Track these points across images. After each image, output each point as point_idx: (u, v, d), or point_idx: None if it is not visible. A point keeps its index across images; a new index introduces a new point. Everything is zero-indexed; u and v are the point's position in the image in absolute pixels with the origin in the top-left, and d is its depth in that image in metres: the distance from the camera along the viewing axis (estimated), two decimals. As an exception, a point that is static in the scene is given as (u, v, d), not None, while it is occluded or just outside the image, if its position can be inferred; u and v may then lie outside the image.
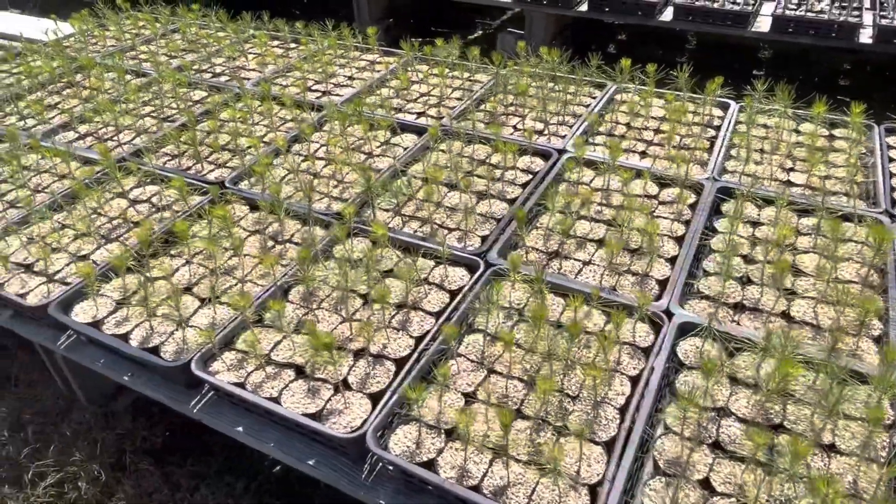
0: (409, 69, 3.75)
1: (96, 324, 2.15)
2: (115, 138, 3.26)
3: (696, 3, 4.78)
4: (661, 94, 3.32)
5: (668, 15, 4.96)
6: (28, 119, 3.48)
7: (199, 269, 2.37)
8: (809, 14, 4.50)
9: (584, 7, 5.18)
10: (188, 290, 2.28)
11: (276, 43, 4.28)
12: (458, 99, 3.48)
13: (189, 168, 2.99)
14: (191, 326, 2.11)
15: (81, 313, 2.19)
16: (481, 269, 2.23)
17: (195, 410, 1.98)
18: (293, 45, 4.24)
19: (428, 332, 2.05)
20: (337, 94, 3.57)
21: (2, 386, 2.76)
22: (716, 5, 4.73)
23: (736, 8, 4.67)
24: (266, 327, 2.11)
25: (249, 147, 3.06)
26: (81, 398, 2.57)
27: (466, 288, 2.17)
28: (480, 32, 6.82)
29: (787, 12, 4.58)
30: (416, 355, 1.93)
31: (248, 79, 3.80)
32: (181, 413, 2.01)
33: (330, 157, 2.98)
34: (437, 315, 2.12)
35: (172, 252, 2.46)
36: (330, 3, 7.79)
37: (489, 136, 2.96)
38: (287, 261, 2.38)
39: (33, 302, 2.23)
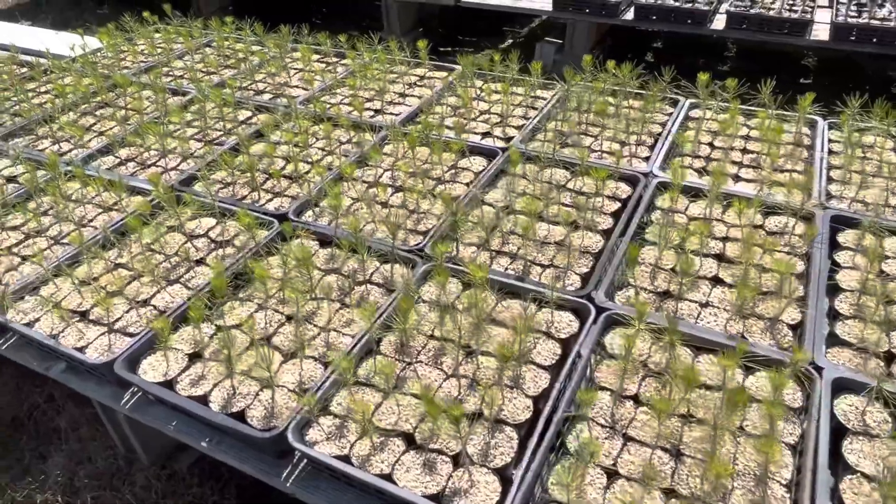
0: (468, 85, 3.53)
1: (169, 383, 1.92)
2: (160, 163, 3.04)
3: (751, 10, 4.57)
4: (751, 112, 3.09)
5: (719, 23, 4.75)
6: (62, 142, 3.25)
7: (274, 315, 2.14)
8: (874, 21, 4.29)
9: (629, 16, 4.98)
10: (267, 340, 2.05)
11: (315, 57, 4.05)
12: (522, 117, 3.25)
13: (244, 197, 2.76)
14: (278, 386, 1.88)
15: (150, 370, 1.96)
16: (592, 315, 2.00)
17: (288, 485, 1.75)
18: (334, 60, 4.02)
19: (545, 390, 1.82)
20: (391, 113, 3.35)
21: (48, 441, 2.52)
22: (772, 13, 4.52)
23: (794, 16, 4.46)
24: (361, 385, 1.88)
25: (307, 172, 2.84)
26: (142, 457, 2.34)
27: (583, 337, 1.94)
28: (511, 41, 6.61)
29: (849, 20, 4.37)
30: (542, 422, 1.70)
31: (294, 96, 3.58)
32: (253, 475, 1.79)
33: (398, 183, 2.76)
34: (552, 369, 1.89)
35: (241, 295, 2.23)
36: (352, 14, 7.58)
37: (573, 160, 2.74)
38: (370, 305, 2.15)
39: (95, 357, 2.00)
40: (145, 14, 4.52)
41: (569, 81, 3.17)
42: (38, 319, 2.17)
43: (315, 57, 4.04)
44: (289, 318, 2.13)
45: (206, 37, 4.36)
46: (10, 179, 2.96)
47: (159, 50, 4.23)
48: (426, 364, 1.93)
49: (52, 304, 2.20)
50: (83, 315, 2.19)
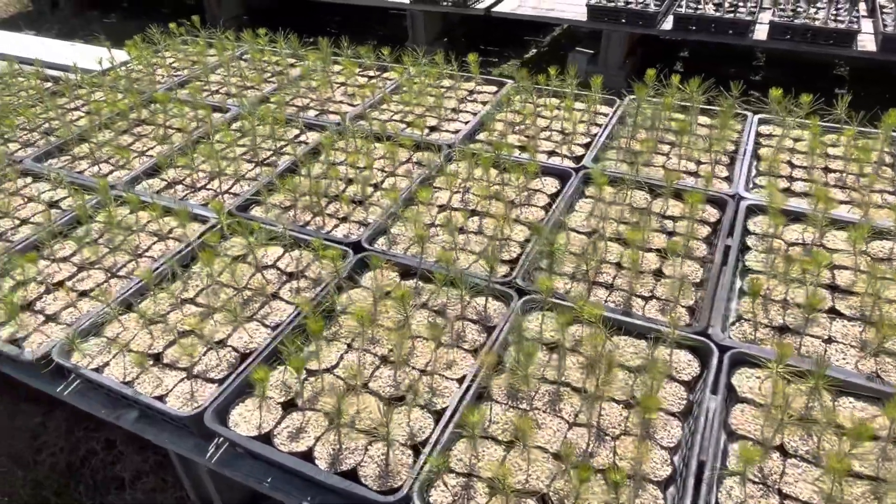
0: (526, 100, 3.38)
1: (266, 436, 1.75)
2: (211, 186, 2.87)
3: (795, 21, 4.48)
4: (836, 129, 2.97)
5: (761, 34, 4.66)
6: (101, 163, 3.07)
7: (366, 356, 1.98)
8: (923, 32, 4.22)
9: (667, 26, 4.87)
10: (364, 386, 1.89)
11: (355, 70, 3.89)
12: (585, 134, 3.12)
13: (307, 223, 2.60)
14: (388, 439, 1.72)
15: (242, 422, 1.79)
16: (716, 354, 1.86)
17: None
18: (375, 73, 3.86)
19: (680, 440, 1.68)
20: (447, 130, 3.20)
21: (107, 490, 2.33)
22: (817, 23, 4.43)
23: (840, 26, 4.38)
24: (480, 437, 1.72)
25: (372, 195, 2.69)
26: (218, 509, 2.17)
27: (709, 378, 1.80)
28: (535, 51, 6.49)
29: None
30: (692, 479, 1.56)
31: (342, 112, 3.42)
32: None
33: (470, 207, 2.61)
34: (681, 416, 1.75)
35: (326, 333, 2.07)
36: (367, 24, 7.43)
37: (657, 183, 2.60)
38: (469, 343, 2.00)
39: (179, 408, 1.83)
40: (172, 26, 4.34)
41: (638, 97, 3.04)
42: (107, 364, 1.99)
43: (355, 70, 3.88)
44: (384, 360, 1.97)
45: (241, 48, 4.19)
46: (52, 205, 2.78)
47: (190, 63, 4.06)
48: (544, 411, 1.78)
49: (121, 347, 2.03)
50: (156, 358, 2.01)
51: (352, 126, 3.10)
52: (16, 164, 3.00)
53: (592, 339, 1.86)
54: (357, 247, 2.38)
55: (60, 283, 2.33)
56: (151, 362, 1.98)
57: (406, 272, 2.29)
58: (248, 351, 2.00)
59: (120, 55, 4.22)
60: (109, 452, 2.42)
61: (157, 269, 2.30)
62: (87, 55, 4.71)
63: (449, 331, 2.04)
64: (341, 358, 1.98)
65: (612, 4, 4.90)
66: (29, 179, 2.96)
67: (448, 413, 1.74)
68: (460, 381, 1.87)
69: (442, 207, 2.63)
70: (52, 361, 1.98)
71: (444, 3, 5.52)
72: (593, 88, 3.22)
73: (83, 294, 2.28)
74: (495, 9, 5.39)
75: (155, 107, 3.51)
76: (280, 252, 2.42)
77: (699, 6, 4.80)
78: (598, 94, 3.24)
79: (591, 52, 5.36)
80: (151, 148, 3.19)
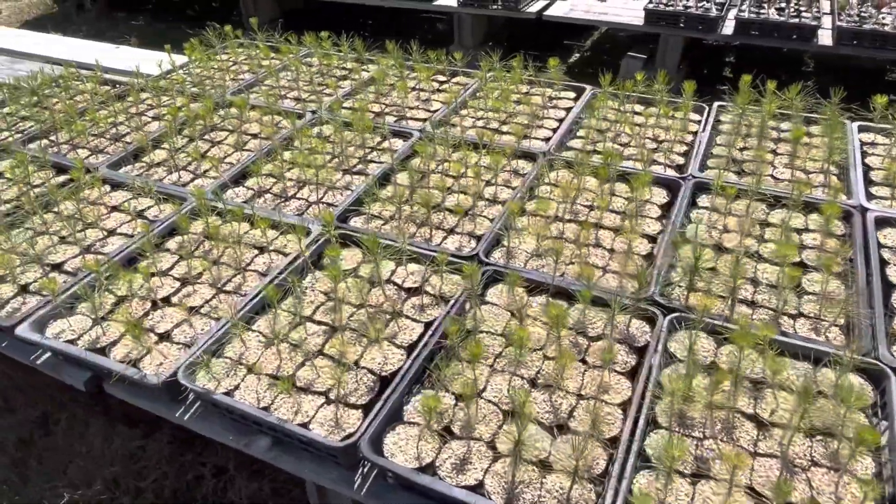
0: (614, 106, 3.27)
1: (427, 467, 1.63)
2: (301, 195, 2.75)
3: (864, 26, 4.40)
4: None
5: (826, 39, 4.57)
6: (179, 171, 2.94)
7: (514, 380, 1.86)
8: None
9: (728, 31, 4.78)
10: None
11: (421, 74, 3.77)
12: (680, 142, 3.02)
13: (413, 234, 2.48)
14: (560, 471, 1.61)
15: (399, 452, 1.67)
16: (893, 381, 1.76)
17: None
18: (445, 78, 3.75)
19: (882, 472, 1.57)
20: (536, 137, 3.09)
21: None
22: (886, 28, 4.35)
23: (912, 31, 4.29)
24: (650, 466, 1.61)
25: (474, 205, 2.57)
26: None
27: (896, 407, 1.69)
28: (578, 55, 6.40)
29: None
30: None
31: (419, 118, 3.31)
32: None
33: (580, 218, 2.50)
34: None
35: (463, 354, 1.95)
36: (401, 26, 7.33)
37: (782, 194, 2.50)
38: (620, 365, 1.89)
39: (326, 437, 1.70)
40: (227, 28, 4.22)
41: (740, 104, 2.94)
42: (237, 387, 1.87)
43: (431, 74, 3.72)
44: (532, 383, 1.85)
45: (306, 50, 4.07)
46: (140, 214, 2.65)
47: (251, 66, 3.94)
48: (721, 440, 1.67)
49: (250, 369, 1.91)
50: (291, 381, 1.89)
51: (438, 132, 2.98)
52: (94, 172, 2.87)
53: (759, 361, 1.75)
54: (475, 260, 2.26)
55: (167, 299, 2.20)
56: (286, 385, 1.85)
57: (533, 288, 2.18)
58: (385, 373, 1.88)
59: (163, 57, 4.09)
60: (220, 479, 2.29)
61: (269, 284, 2.17)
62: (131, 57, 4.59)
63: (595, 351, 1.93)
64: (487, 381, 1.86)
65: (672, 8, 4.81)
66: (107, 188, 2.84)
67: (623, 444, 1.62)
68: (623, 406, 1.76)
69: (552, 219, 2.52)
70: (178, 384, 1.85)
71: (494, 7, 5.42)
72: (685, 95, 3.12)
73: (192, 310, 2.15)
74: (547, 12, 5.29)
75: (226, 111, 3.39)
76: (392, 266, 2.31)
77: (761, 10, 4.71)
78: (690, 100, 3.13)
79: (644, 56, 5.27)
80: (229, 154, 3.07)
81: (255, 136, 3.20)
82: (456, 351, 1.92)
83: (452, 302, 2.08)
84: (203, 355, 1.89)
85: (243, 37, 4.24)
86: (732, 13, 4.88)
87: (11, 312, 2.18)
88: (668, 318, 1.97)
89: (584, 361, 1.92)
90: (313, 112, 3.31)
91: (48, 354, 2.20)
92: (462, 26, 5.61)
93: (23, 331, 2.05)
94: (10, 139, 3.28)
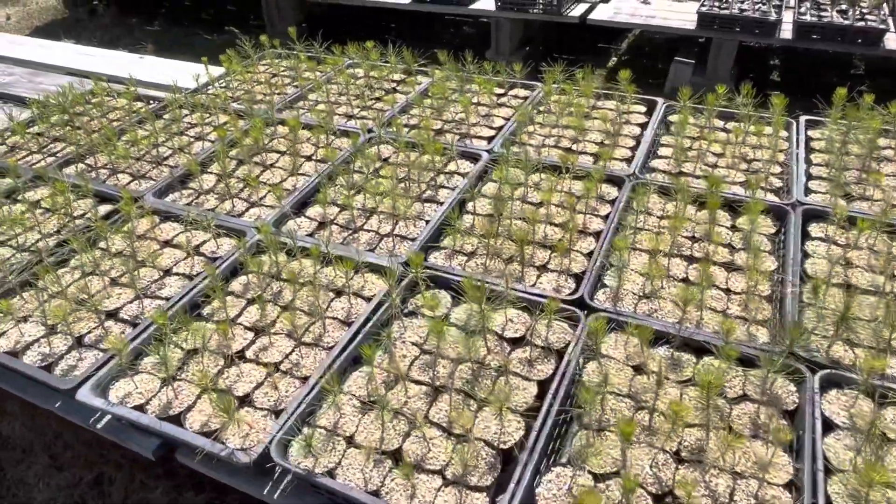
0: (694, 123, 3.03)
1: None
2: (370, 227, 2.51)
3: (935, 29, 4.17)
4: None
5: (892, 42, 4.34)
6: (232, 199, 2.70)
7: (654, 454, 1.64)
8: None
9: (787, 35, 4.54)
10: (675, 498, 1.54)
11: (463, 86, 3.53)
12: (771, 161, 2.78)
13: (502, 273, 2.25)
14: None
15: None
16: None
17: None
18: (502, 90, 3.51)
19: None
20: (615, 158, 2.85)
21: None
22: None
23: None
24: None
25: (563, 237, 2.34)
26: None
27: None
28: (615, 59, 6.16)
29: None
30: None
31: (482, 136, 3.07)
32: None
33: (684, 252, 2.27)
34: None
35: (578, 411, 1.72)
36: (424, 32, 7.08)
37: (909, 224, 2.27)
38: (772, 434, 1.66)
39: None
40: (263, 38, 3.98)
41: (848, 122, 2.71)
42: (338, 464, 1.64)
43: (493, 88, 3.45)
44: (678, 458, 1.62)
45: (351, 60, 3.83)
46: (198, 250, 2.42)
47: (291, 79, 3.70)
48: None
49: (346, 441, 1.68)
50: (394, 456, 1.66)
51: (512, 153, 2.74)
52: (140, 201, 2.63)
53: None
54: (587, 308, 2.02)
55: (241, 353, 1.97)
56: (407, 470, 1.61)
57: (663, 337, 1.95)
58: (505, 446, 1.65)
59: (190, 67, 3.85)
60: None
61: (356, 336, 1.94)
62: (157, 68, 4.35)
63: (741, 416, 1.70)
64: (624, 455, 1.63)
65: (727, 12, 4.57)
66: (155, 218, 2.60)
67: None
68: (789, 487, 1.53)
69: (655, 253, 2.29)
70: (268, 459, 1.62)
71: (534, 11, 5.18)
72: (775, 110, 2.87)
73: (277, 368, 1.92)
74: (591, 16, 5.05)
75: (272, 129, 3.15)
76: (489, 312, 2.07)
77: (822, 13, 4.48)
78: (782, 115, 2.89)
79: (692, 62, 5.03)
80: (283, 179, 2.83)
81: (308, 157, 2.96)
82: (585, 418, 1.69)
83: (567, 359, 1.85)
84: (296, 426, 1.66)
85: (269, 43, 3.99)
86: (787, 16, 4.65)
87: (67, 370, 1.95)
88: (818, 375, 1.74)
89: (729, 428, 1.69)
90: (369, 131, 3.07)
91: (108, 417, 1.97)
92: (500, 31, 5.37)
93: (85, 396, 1.81)
94: (43, 162, 3.04)
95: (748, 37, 4.61)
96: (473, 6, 5.42)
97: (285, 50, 4.04)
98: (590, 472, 1.59)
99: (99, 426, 1.95)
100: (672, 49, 6.21)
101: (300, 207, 2.64)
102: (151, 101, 3.58)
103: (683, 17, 4.87)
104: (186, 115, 3.38)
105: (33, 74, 4.52)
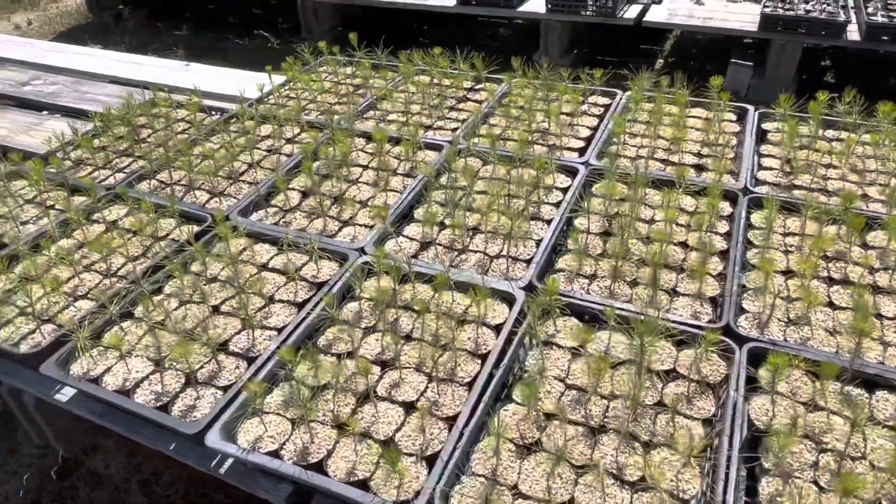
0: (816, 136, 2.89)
1: None
2: (476, 246, 2.37)
3: None
4: None
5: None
6: (317, 218, 2.56)
7: None
8: None
9: (854, 36, 4.41)
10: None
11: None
12: (884, 171, 2.65)
13: (615, 293, 2.11)
14: None
15: None
16: None
17: None
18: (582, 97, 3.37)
19: None
20: (711, 170, 2.72)
21: None
22: None
23: None
24: None
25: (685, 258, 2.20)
26: None
27: None
28: (661, 61, 6.03)
29: None
30: None
31: (572, 148, 2.93)
32: None
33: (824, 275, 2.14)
34: None
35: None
36: (468, 33, 6.94)
37: None
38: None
39: None
40: (322, 44, 3.83)
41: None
42: (508, 519, 1.50)
43: (577, 97, 3.29)
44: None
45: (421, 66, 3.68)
46: (299, 273, 2.28)
47: (352, 87, 3.56)
48: None
49: (510, 491, 1.54)
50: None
51: (614, 168, 2.60)
52: (229, 222, 2.49)
53: None
54: (742, 339, 1.88)
55: (374, 389, 1.83)
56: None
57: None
58: (684, 494, 1.51)
59: (238, 75, 3.71)
60: None
61: (493, 372, 1.80)
62: (205, 77, 4.22)
63: None
64: (822, 506, 1.50)
65: (792, 13, 4.44)
66: (241, 241, 2.46)
67: None
68: None
69: (784, 273, 2.16)
70: (433, 516, 1.49)
71: (586, 13, 5.04)
72: (882, 117, 2.74)
73: (404, 404, 1.78)
74: (646, 18, 4.92)
75: (351, 142, 3.01)
76: (622, 339, 1.94)
77: (892, 14, 4.35)
78: (892, 123, 2.75)
79: (751, 64, 4.90)
80: (371, 197, 2.69)
81: (393, 171, 2.82)
82: (769, 462, 1.55)
83: (732, 396, 1.71)
84: (455, 474, 1.53)
85: (304, 47, 3.84)
86: (852, 16, 4.52)
87: (186, 410, 1.82)
88: None
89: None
90: (450, 143, 2.93)
91: (231, 460, 1.83)
92: (549, 34, 5.24)
93: (215, 442, 1.68)
94: (112, 178, 2.90)
95: (814, 39, 4.48)
96: (522, 8, 5.29)
97: (344, 56, 3.89)
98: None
99: (222, 470, 1.81)
100: (716, 51, 6.08)
101: (396, 226, 2.50)
102: (213, 112, 3.44)
103: (743, 19, 4.74)
104: (252, 127, 3.23)
105: (77, 83, 4.37)
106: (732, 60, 4.97)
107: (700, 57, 6.06)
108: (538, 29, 5.32)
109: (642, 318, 1.84)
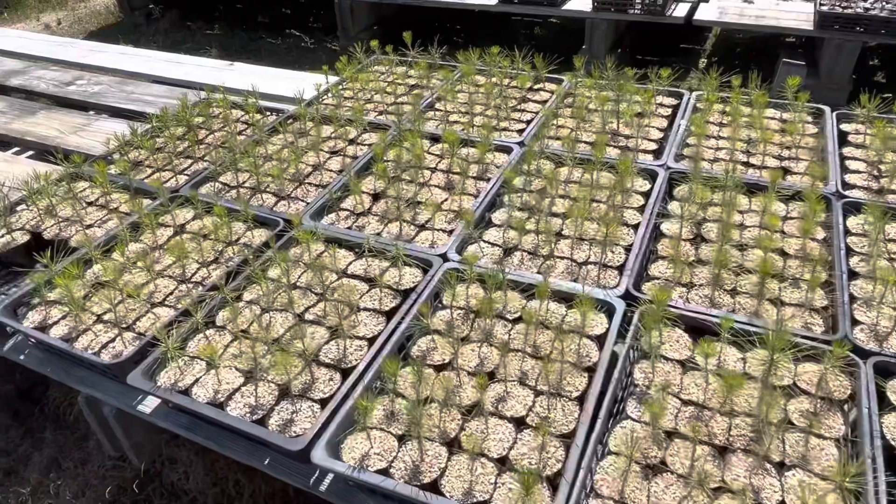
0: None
1: None
2: (562, 252, 2.28)
3: None
4: None
5: None
6: (402, 222, 2.48)
7: None
8: None
9: (915, 34, 4.29)
10: None
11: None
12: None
13: (715, 303, 2.02)
14: None
15: None
16: None
17: None
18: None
19: None
20: (797, 172, 2.62)
21: None
22: None
23: None
24: None
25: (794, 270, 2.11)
26: None
27: None
28: (704, 61, 5.91)
29: None
30: None
31: (647, 151, 2.84)
32: None
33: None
34: None
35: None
36: (502, 32, 6.85)
37: None
38: None
39: None
40: (373, 43, 3.76)
41: None
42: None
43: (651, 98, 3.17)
44: None
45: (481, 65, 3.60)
46: (398, 289, 2.19)
47: (408, 87, 3.48)
48: None
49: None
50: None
51: (699, 172, 2.51)
52: (303, 226, 2.42)
53: None
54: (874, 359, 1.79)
55: (476, 405, 1.75)
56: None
57: None
58: (833, 522, 1.42)
59: (282, 74, 3.64)
60: None
61: (605, 387, 1.72)
62: (251, 77, 4.15)
63: None
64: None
65: (851, 11, 4.32)
66: (318, 246, 2.38)
67: None
68: None
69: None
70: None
71: (633, 11, 4.94)
72: (975, 119, 2.63)
73: (514, 420, 1.69)
74: (696, 16, 4.81)
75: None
76: (736, 352, 1.85)
77: (957, 11, 4.22)
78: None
79: (803, 63, 4.78)
80: (444, 200, 2.61)
81: (458, 173, 2.74)
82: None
83: (867, 414, 1.62)
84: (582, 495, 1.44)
85: (338, 44, 3.77)
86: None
87: (283, 425, 1.74)
88: None
89: None
90: (521, 144, 2.85)
91: (330, 476, 1.76)
92: (594, 32, 5.14)
93: (321, 458, 1.60)
94: (173, 181, 2.84)
95: (873, 37, 4.37)
96: (566, 6, 5.19)
97: (397, 56, 3.81)
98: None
99: (322, 488, 1.73)
100: (759, 50, 5.97)
101: (475, 230, 2.42)
102: (269, 112, 3.38)
103: (797, 17, 4.63)
104: (312, 128, 3.16)
105: (121, 83, 4.33)
106: (784, 60, 4.85)
107: (744, 56, 5.93)
108: (575, 28, 5.20)
109: (763, 331, 1.76)
